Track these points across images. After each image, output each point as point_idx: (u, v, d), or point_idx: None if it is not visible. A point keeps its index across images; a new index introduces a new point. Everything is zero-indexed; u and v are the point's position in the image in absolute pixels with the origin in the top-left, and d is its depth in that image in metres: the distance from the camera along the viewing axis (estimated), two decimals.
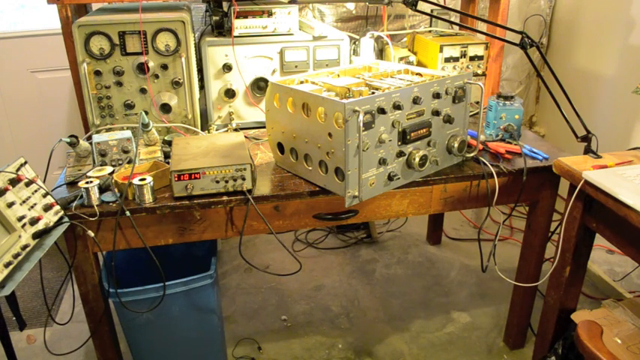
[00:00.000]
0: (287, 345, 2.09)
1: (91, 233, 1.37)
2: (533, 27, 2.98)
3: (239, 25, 1.82)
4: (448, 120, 1.54)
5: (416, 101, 1.43)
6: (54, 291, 2.37)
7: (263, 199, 1.45)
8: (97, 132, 1.70)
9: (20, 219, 1.18)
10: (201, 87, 1.90)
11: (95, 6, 2.00)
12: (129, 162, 1.56)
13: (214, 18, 1.89)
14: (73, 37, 1.62)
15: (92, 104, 1.70)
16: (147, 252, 1.41)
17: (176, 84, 1.73)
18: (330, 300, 2.36)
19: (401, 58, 2.03)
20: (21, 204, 1.20)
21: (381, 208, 1.60)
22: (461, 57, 2.02)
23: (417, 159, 1.46)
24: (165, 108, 1.75)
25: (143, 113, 1.55)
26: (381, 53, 2.10)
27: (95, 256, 1.52)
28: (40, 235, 1.23)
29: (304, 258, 2.68)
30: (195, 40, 1.96)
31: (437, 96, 1.49)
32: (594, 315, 1.56)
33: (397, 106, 1.38)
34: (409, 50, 2.16)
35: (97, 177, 1.43)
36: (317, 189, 1.47)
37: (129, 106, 1.73)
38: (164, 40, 1.67)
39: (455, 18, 2.54)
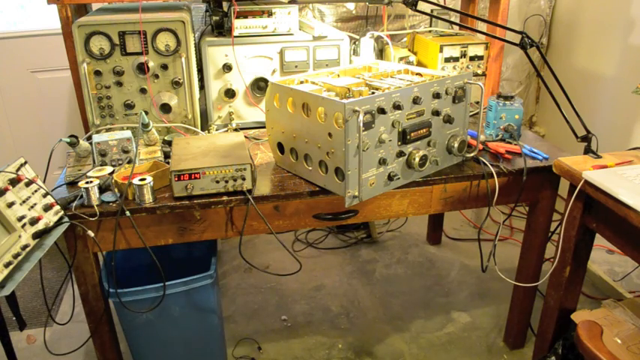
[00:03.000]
0: (287, 345, 2.09)
1: (91, 233, 1.37)
2: (533, 27, 2.98)
3: (239, 25, 1.82)
4: (448, 120, 1.54)
5: (416, 101, 1.43)
6: (54, 291, 2.37)
7: (263, 199, 1.45)
8: (97, 132, 1.70)
9: (20, 219, 1.18)
10: (201, 87, 1.90)
11: (95, 6, 2.00)
12: (129, 162, 1.56)
13: (214, 18, 1.89)
14: (73, 37, 1.62)
15: (92, 104, 1.70)
16: (147, 252, 1.41)
17: (176, 84, 1.73)
18: (330, 300, 2.35)
19: (401, 58, 2.03)
20: (21, 204, 1.20)
21: (381, 208, 1.60)
22: (461, 57, 2.02)
23: (417, 159, 1.46)
24: (165, 108, 1.75)
25: (143, 113, 1.55)
26: (381, 53, 2.10)
27: (95, 256, 1.51)
28: (40, 235, 1.23)
29: (304, 258, 2.68)
30: (195, 40, 1.96)
31: (437, 96, 1.49)
32: (594, 315, 1.56)
33: (397, 106, 1.38)
34: (409, 50, 2.16)
35: (97, 177, 1.43)
36: (317, 189, 1.47)
37: (129, 106, 1.73)
38: (164, 40, 1.67)
39: (455, 18, 2.54)
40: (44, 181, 1.35)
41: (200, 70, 1.88)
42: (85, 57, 1.64)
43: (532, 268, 1.85)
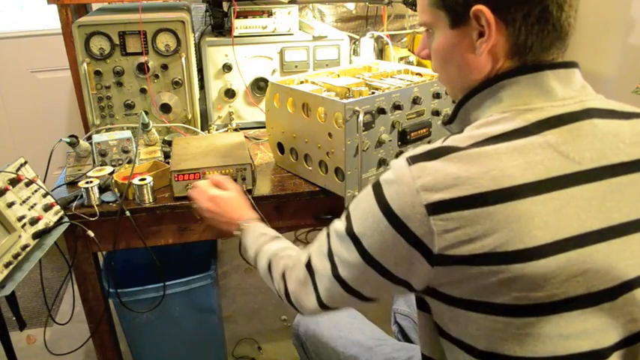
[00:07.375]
0: (287, 345, 2.09)
1: (91, 233, 1.37)
2: None
3: (239, 25, 1.82)
4: None
5: (416, 101, 1.43)
6: (54, 291, 2.37)
7: (263, 199, 1.45)
8: (97, 132, 1.70)
9: (20, 219, 1.18)
10: (201, 87, 1.90)
11: (95, 6, 2.00)
12: (129, 162, 1.56)
13: (214, 18, 1.89)
14: (73, 37, 1.62)
15: (92, 104, 1.70)
16: (147, 252, 1.42)
17: (176, 84, 1.73)
18: None
19: (401, 58, 2.03)
20: (21, 204, 1.20)
21: None
22: None
23: None
24: (165, 108, 1.75)
25: (143, 113, 1.55)
26: (381, 53, 2.10)
27: (95, 256, 1.52)
28: (40, 235, 1.23)
29: None
30: (195, 40, 1.96)
31: (437, 96, 1.49)
32: None
33: (397, 106, 1.38)
34: (409, 50, 2.16)
35: (97, 177, 1.43)
36: (317, 189, 1.47)
37: (129, 106, 1.73)
38: (164, 40, 1.67)
39: None
40: (44, 181, 1.35)
41: (200, 70, 1.88)
42: (85, 57, 1.64)
43: None
